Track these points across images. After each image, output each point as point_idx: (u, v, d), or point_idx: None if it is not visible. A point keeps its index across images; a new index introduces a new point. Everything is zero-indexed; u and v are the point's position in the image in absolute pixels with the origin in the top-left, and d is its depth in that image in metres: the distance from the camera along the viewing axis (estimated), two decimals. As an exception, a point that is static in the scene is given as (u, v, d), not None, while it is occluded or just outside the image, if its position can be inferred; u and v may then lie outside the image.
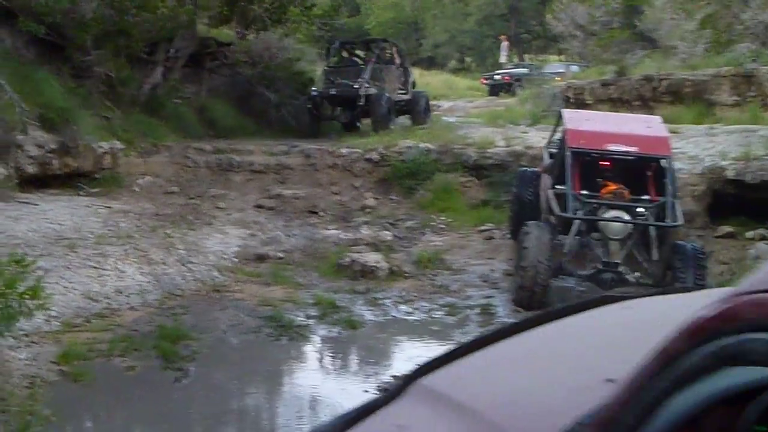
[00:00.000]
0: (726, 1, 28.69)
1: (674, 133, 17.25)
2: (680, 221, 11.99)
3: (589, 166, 12.72)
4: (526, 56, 60.38)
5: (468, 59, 65.02)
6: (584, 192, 12.35)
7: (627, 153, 12.47)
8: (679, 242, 11.94)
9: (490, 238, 15.92)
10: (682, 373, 2.31)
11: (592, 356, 2.86)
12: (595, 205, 12.12)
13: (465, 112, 31.71)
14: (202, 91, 22.64)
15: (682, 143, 16.61)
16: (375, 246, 15.13)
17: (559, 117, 14.30)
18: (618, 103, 24.26)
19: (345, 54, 25.87)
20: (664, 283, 11.41)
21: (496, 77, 42.13)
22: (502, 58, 47.92)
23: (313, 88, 23.34)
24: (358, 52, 26.05)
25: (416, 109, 24.22)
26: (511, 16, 59.50)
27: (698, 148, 16.38)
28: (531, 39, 60.98)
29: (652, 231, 12.05)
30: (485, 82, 43.34)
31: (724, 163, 15.10)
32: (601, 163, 12.84)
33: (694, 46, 28.46)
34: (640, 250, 12.03)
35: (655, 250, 11.98)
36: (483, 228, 16.32)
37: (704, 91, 21.89)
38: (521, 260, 11.96)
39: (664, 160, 12.48)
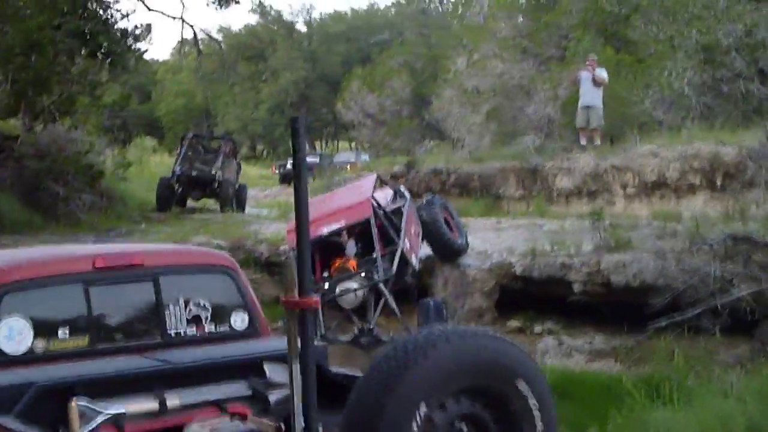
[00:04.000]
0: (510, 94, 29.72)
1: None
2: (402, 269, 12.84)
3: (328, 246, 13.10)
4: (318, 144, 61.15)
5: (260, 147, 65.29)
6: (325, 275, 12.78)
7: (335, 230, 13.00)
8: (423, 299, 12.29)
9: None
10: None
11: None
12: (331, 283, 12.59)
13: (256, 201, 31.70)
14: (-13, 185, 21.82)
15: (471, 238, 16.98)
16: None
17: None
18: (409, 195, 24.67)
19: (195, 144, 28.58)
20: None
21: (287, 166, 42.40)
22: (293, 147, 48.24)
23: (175, 168, 26.10)
24: (204, 144, 29.52)
25: (240, 197, 27.71)
26: (302, 104, 60.21)
27: (486, 244, 16.71)
28: (322, 127, 61.78)
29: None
30: (276, 171, 43.51)
31: (511, 259, 15.50)
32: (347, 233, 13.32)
33: (481, 139, 29.35)
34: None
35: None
36: (276, 325, 16.17)
37: (492, 185, 22.50)
38: None
39: (370, 220, 13.00)
